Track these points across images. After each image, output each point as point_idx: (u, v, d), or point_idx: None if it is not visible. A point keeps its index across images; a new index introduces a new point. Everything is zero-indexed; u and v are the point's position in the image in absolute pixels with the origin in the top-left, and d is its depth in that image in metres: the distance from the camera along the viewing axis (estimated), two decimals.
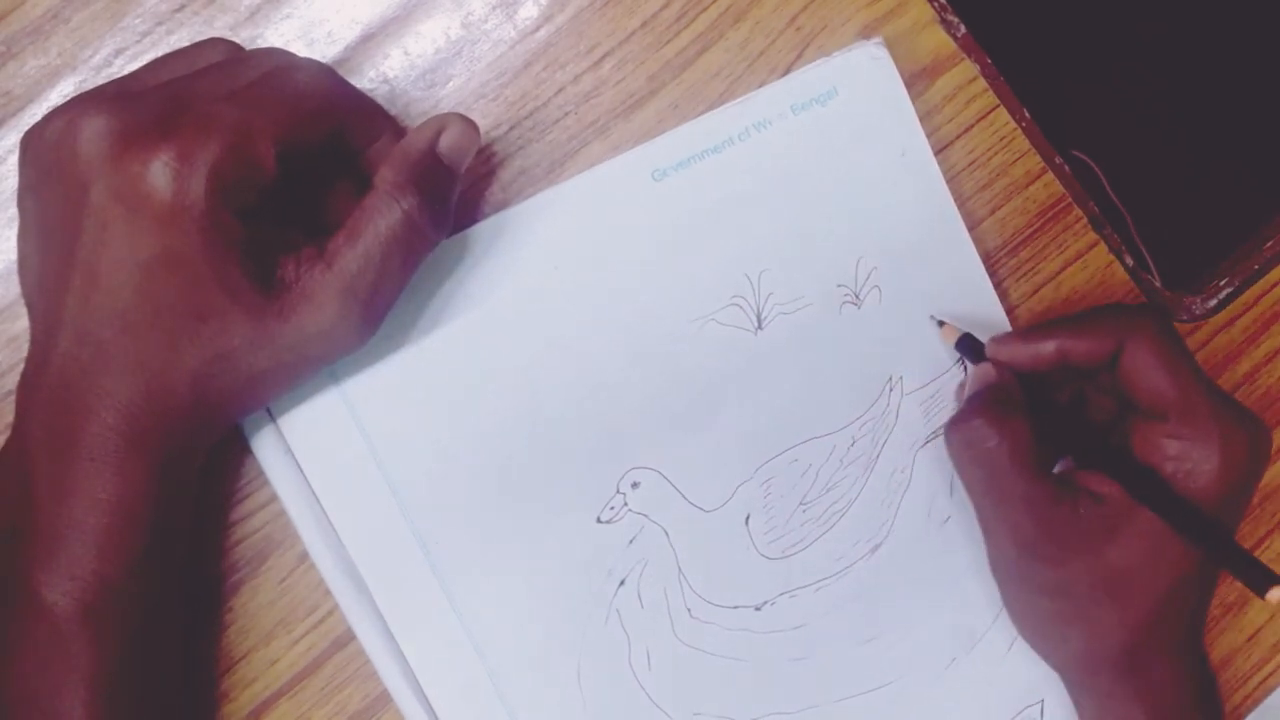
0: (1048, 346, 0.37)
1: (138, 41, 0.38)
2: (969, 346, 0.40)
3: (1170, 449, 0.36)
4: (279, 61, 0.34)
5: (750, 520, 0.40)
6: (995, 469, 0.36)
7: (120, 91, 0.33)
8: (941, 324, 0.41)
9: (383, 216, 0.33)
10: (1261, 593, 0.33)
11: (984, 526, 0.38)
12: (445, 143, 0.35)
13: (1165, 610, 0.36)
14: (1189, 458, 0.36)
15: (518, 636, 0.39)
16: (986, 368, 0.38)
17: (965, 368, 0.41)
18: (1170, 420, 0.36)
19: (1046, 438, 0.37)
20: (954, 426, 0.37)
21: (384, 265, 0.33)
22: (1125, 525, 0.35)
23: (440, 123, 0.35)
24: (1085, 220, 0.43)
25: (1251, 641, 0.45)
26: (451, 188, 0.35)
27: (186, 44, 0.36)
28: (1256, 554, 0.45)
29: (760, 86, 0.40)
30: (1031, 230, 0.43)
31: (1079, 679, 0.40)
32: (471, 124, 0.35)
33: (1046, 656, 0.40)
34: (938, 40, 0.41)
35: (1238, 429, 0.36)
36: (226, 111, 0.31)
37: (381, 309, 0.34)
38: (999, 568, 0.39)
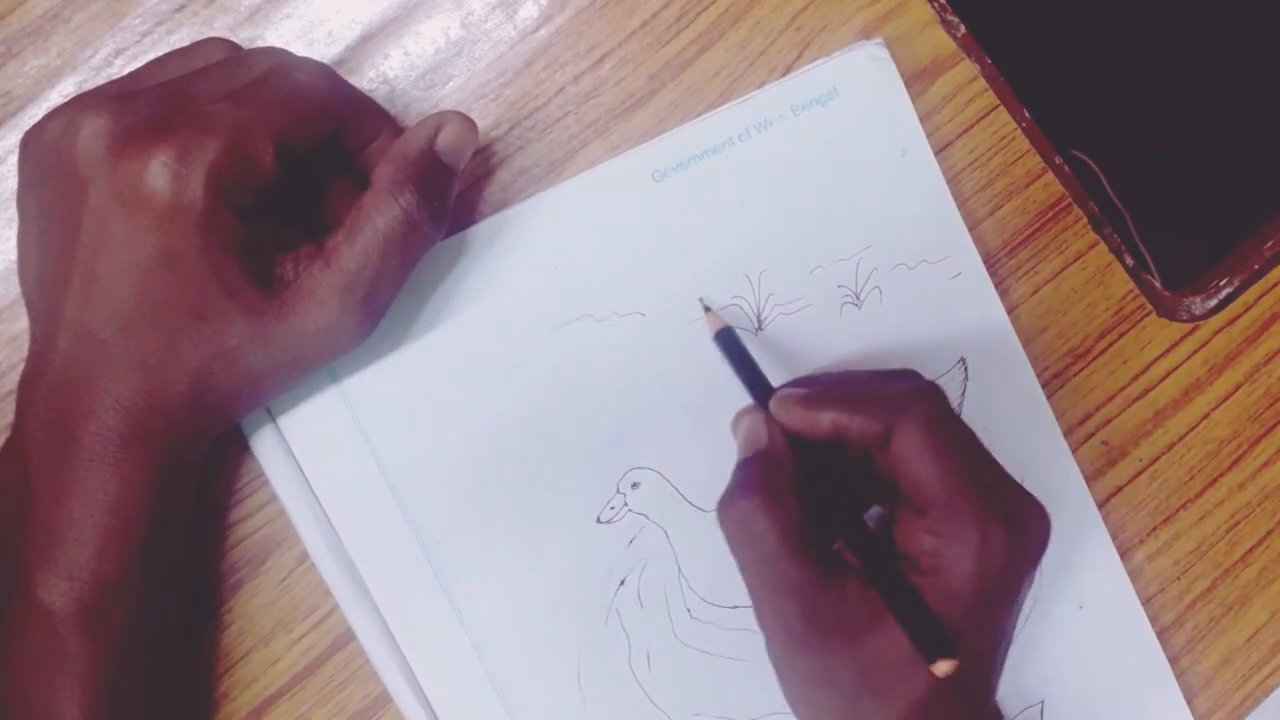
0: (824, 419, 0.34)
1: (138, 41, 0.38)
2: (728, 341, 0.37)
3: (925, 544, 0.33)
4: (277, 61, 0.34)
5: None
6: (764, 552, 0.33)
7: (119, 92, 0.33)
8: (707, 309, 0.38)
9: (381, 214, 0.33)
10: (931, 661, 0.32)
11: (755, 609, 0.35)
12: (443, 141, 0.35)
13: (932, 708, 0.33)
14: (943, 556, 0.32)
15: (517, 637, 0.39)
16: (759, 431, 0.35)
17: (965, 370, 0.41)
18: (929, 516, 0.33)
19: (820, 514, 0.34)
20: (724, 506, 0.34)
21: (382, 263, 0.33)
22: (889, 614, 0.33)
23: (438, 121, 0.35)
24: (1085, 220, 0.43)
25: (1251, 641, 0.45)
26: (450, 185, 0.35)
27: (186, 44, 0.36)
28: (1257, 551, 0.45)
29: (760, 86, 0.40)
30: (1031, 230, 0.43)
31: None
32: (469, 122, 0.35)
33: None
34: (938, 40, 0.41)
35: (999, 530, 0.32)
36: (225, 111, 0.31)
37: (380, 307, 0.34)
38: (771, 653, 0.35)
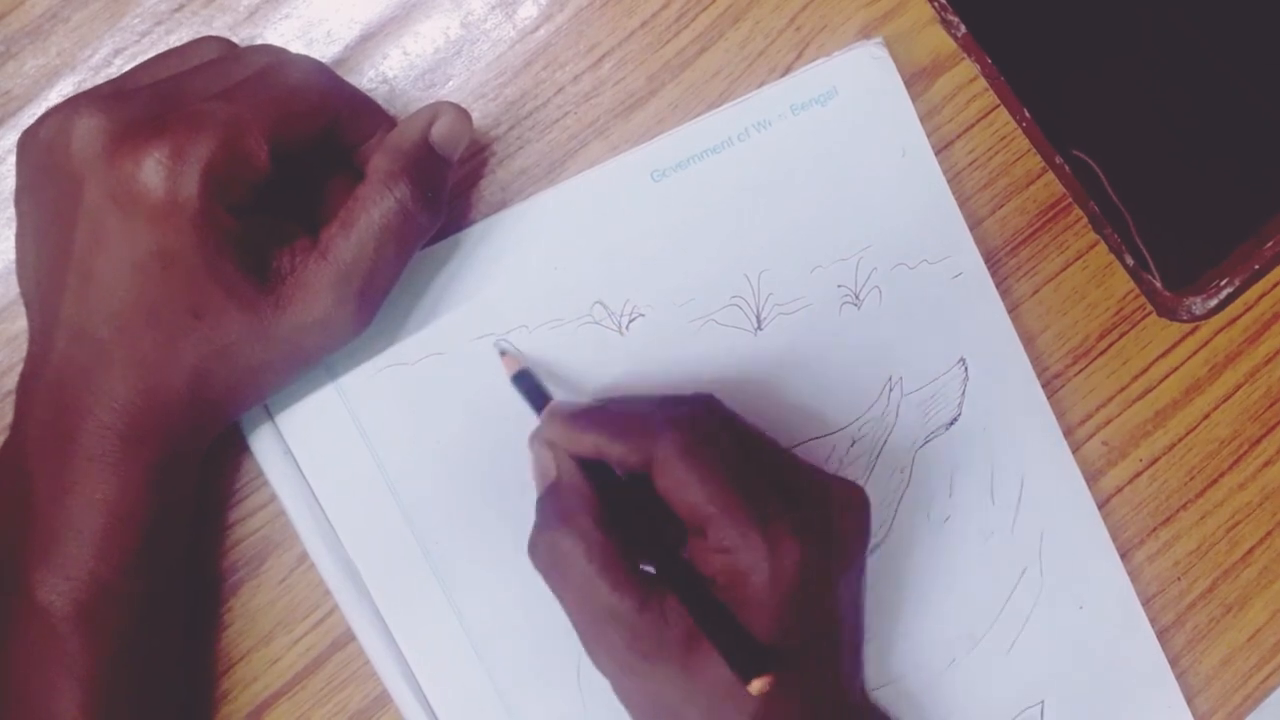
0: (586, 440, 0.34)
1: (137, 41, 0.38)
2: (527, 384, 0.37)
3: (715, 563, 0.32)
4: (272, 58, 0.34)
5: None
6: (577, 580, 0.33)
7: (113, 91, 0.33)
8: (503, 353, 0.38)
9: (376, 205, 0.33)
10: (746, 681, 0.31)
11: (581, 643, 0.34)
12: (437, 131, 0.35)
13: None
14: (735, 571, 0.32)
15: (517, 636, 0.39)
16: (546, 465, 0.35)
17: (965, 370, 0.41)
18: (708, 536, 0.32)
19: (629, 539, 0.33)
20: (531, 544, 0.34)
21: (378, 254, 0.33)
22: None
23: (432, 111, 0.35)
24: (1085, 220, 0.43)
25: (1251, 641, 0.45)
26: (445, 175, 0.35)
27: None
28: (1257, 551, 0.45)
29: (760, 86, 0.40)
30: (1032, 230, 0.43)
31: None
32: (463, 112, 0.35)
33: None
34: (938, 40, 0.41)
35: (782, 531, 0.32)
36: (219, 109, 0.31)
37: (377, 297, 0.34)
38: (612, 686, 0.35)
